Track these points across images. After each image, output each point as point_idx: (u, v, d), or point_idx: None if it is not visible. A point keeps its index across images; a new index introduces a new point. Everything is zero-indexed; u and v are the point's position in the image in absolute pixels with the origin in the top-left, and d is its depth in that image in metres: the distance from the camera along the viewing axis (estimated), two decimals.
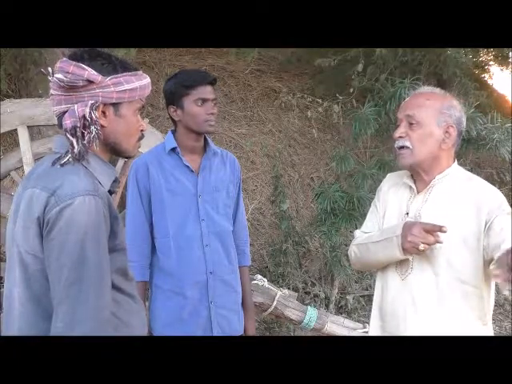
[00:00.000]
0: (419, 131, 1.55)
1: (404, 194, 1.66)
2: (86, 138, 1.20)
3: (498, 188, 1.61)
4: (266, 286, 2.82)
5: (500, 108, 5.31)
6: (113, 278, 1.20)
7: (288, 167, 5.13)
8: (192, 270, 1.93)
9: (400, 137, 1.58)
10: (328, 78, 5.15)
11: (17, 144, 3.24)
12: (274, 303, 2.79)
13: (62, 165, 1.18)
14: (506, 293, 1.21)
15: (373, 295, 1.76)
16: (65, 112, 1.21)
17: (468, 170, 1.68)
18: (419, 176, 1.63)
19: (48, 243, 1.12)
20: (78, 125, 1.19)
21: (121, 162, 2.97)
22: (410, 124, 1.57)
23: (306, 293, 4.32)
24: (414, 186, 1.65)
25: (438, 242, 1.46)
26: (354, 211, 3.49)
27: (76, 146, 1.19)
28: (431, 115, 1.55)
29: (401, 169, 1.68)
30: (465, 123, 1.62)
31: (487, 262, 1.47)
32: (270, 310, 2.81)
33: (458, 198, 1.55)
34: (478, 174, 1.67)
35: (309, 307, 2.92)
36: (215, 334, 1.96)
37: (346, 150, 3.72)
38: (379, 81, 3.99)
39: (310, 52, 5.03)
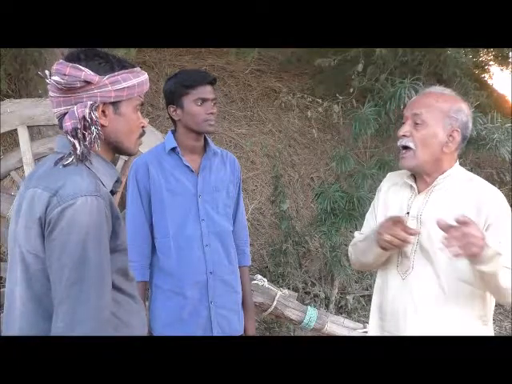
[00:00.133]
0: (423, 131, 1.55)
1: (405, 194, 1.66)
2: (88, 139, 1.20)
3: (498, 188, 1.61)
4: (266, 286, 2.82)
5: (500, 108, 5.31)
6: (113, 279, 1.20)
7: (288, 167, 5.13)
8: (192, 270, 1.93)
9: (404, 135, 1.58)
10: (328, 77, 5.15)
11: (17, 144, 3.24)
12: (274, 303, 2.78)
13: (64, 165, 1.18)
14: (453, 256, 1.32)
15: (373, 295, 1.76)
16: (65, 114, 1.21)
17: (468, 170, 1.68)
18: (420, 176, 1.63)
19: (49, 243, 1.12)
20: (79, 126, 1.19)
21: (121, 161, 2.97)
22: (416, 123, 1.56)
23: (306, 293, 4.32)
24: (414, 185, 1.64)
25: (409, 233, 1.48)
26: (353, 211, 3.49)
27: (78, 148, 1.19)
28: (438, 117, 1.54)
29: (402, 168, 1.68)
30: (471, 128, 1.61)
31: None
32: (269, 310, 2.81)
33: (459, 199, 1.55)
34: (478, 174, 1.67)
35: (309, 307, 2.92)
36: (215, 333, 1.96)
37: (346, 150, 3.72)
38: (379, 81, 3.99)
39: (310, 52, 5.03)
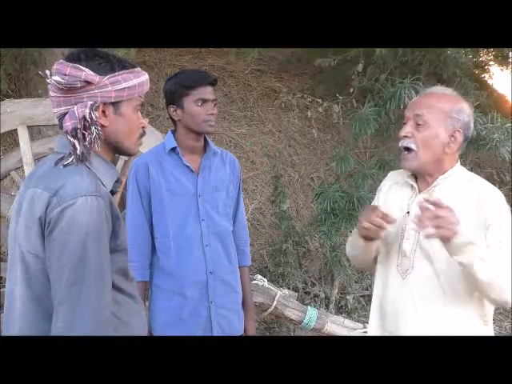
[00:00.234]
0: (425, 132, 1.54)
1: (405, 193, 1.66)
2: (88, 139, 1.20)
3: (498, 188, 1.61)
4: (266, 286, 2.82)
5: (500, 108, 5.31)
6: (113, 279, 1.20)
7: (288, 167, 5.13)
8: (192, 270, 1.93)
9: (405, 136, 1.58)
10: (328, 77, 5.15)
11: (17, 144, 3.24)
12: (274, 303, 2.78)
13: (64, 165, 1.18)
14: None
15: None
16: (65, 114, 1.21)
17: (468, 170, 1.68)
18: (422, 176, 1.63)
19: (49, 243, 1.12)
20: (79, 126, 1.19)
21: (121, 161, 2.97)
22: (417, 124, 1.56)
23: (306, 293, 4.32)
24: (415, 185, 1.65)
25: (386, 220, 1.50)
26: (353, 211, 3.49)
27: (78, 148, 1.18)
28: (440, 118, 1.54)
29: (404, 169, 1.68)
30: (472, 128, 1.61)
31: None
32: (269, 310, 2.81)
33: (460, 199, 1.55)
34: (478, 174, 1.67)
35: (309, 307, 2.92)
36: (215, 333, 1.96)
37: (345, 150, 3.72)
38: (379, 81, 3.99)
39: (310, 52, 5.02)
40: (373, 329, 1.71)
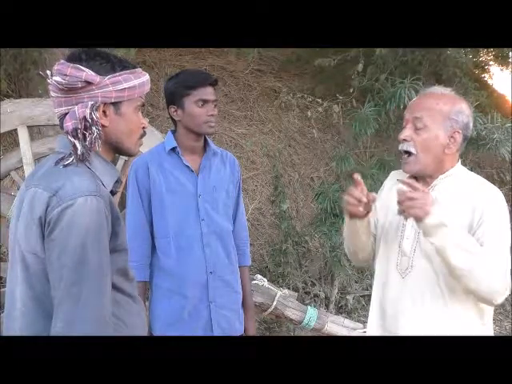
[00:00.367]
0: (425, 136, 1.54)
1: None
2: (88, 139, 1.20)
3: (498, 187, 1.61)
4: (266, 285, 2.82)
5: (500, 108, 5.31)
6: (113, 279, 1.20)
7: (288, 167, 5.13)
8: (192, 270, 1.93)
9: (405, 140, 1.57)
10: (328, 77, 5.15)
11: (17, 144, 3.24)
12: (274, 303, 2.79)
13: (65, 165, 1.18)
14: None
15: None
16: (66, 114, 1.21)
17: (469, 170, 1.68)
18: (422, 177, 1.63)
19: (49, 243, 1.12)
20: (79, 126, 1.19)
21: (121, 161, 2.97)
22: (417, 127, 1.56)
23: (305, 293, 4.32)
24: None
25: (366, 196, 1.52)
26: None
27: (79, 148, 1.19)
28: (439, 120, 1.54)
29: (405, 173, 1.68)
30: (471, 128, 1.61)
31: None
32: (269, 310, 2.81)
33: (458, 198, 1.55)
34: (478, 174, 1.67)
35: (309, 307, 2.92)
36: (215, 333, 1.96)
37: (346, 150, 3.72)
38: (379, 81, 3.98)
39: (310, 52, 5.02)
40: (372, 328, 1.71)
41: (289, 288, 3.75)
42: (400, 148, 1.60)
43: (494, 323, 4.22)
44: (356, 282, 4.54)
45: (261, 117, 5.38)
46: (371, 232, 1.74)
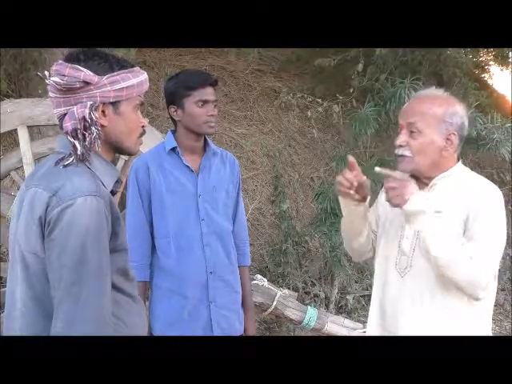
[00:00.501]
0: (420, 140, 1.54)
1: None
2: (88, 140, 1.20)
3: (498, 188, 1.61)
4: (266, 286, 2.82)
5: (500, 108, 5.31)
6: (113, 279, 1.20)
7: (288, 167, 5.13)
8: (192, 270, 1.93)
9: (400, 145, 1.58)
10: (328, 77, 5.15)
11: (17, 144, 3.24)
12: (274, 303, 2.79)
13: (65, 166, 1.18)
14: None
15: None
16: (65, 114, 1.21)
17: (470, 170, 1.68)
18: (420, 177, 1.63)
19: (49, 243, 1.12)
20: (79, 127, 1.19)
21: (121, 161, 2.97)
22: (411, 132, 1.56)
23: (305, 293, 4.32)
24: (416, 184, 1.65)
25: (357, 178, 1.54)
26: None
27: (78, 148, 1.19)
28: (433, 124, 1.54)
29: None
30: (467, 127, 1.61)
31: None
32: (269, 310, 2.81)
33: (456, 197, 1.55)
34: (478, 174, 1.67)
35: (309, 307, 2.92)
36: (215, 333, 1.96)
37: (345, 150, 3.72)
38: (379, 81, 3.98)
39: (310, 52, 5.02)
40: (372, 328, 1.71)
41: (289, 288, 3.75)
42: (396, 153, 1.61)
43: (494, 323, 4.22)
44: (356, 282, 4.54)
45: (261, 117, 5.38)
46: (372, 228, 1.75)
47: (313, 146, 5.39)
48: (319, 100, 4.52)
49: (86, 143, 1.20)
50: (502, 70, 6.21)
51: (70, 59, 1.20)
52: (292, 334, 3.83)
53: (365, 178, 1.56)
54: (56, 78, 1.17)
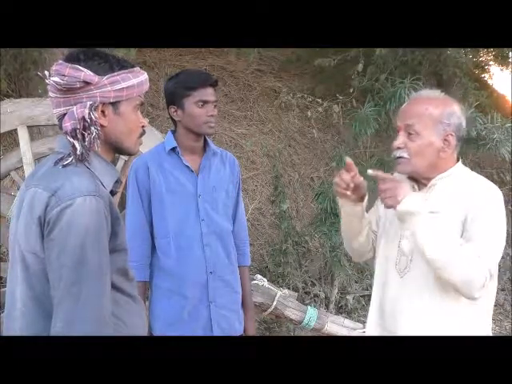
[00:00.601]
0: (418, 142, 1.55)
1: None
2: (87, 140, 1.20)
3: (498, 188, 1.61)
4: (266, 285, 2.82)
5: (500, 108, 5.31)
6: (113, 279, 1.20)
7: (288, 167, 5.13)
8: (192, 270, 1.93)
9: (398, 147, 1.58)
10: (328, 77, 5.15)
11: (17, 144, 3.24)
12: (274, 303, 2.79)
13: (64, 166, 1.18)
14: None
15: None
16: (65, 114, 1.21)
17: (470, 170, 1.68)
18: (418, 178, 1.63)
19: (48, 243, 1.12)
20: (78, 127, 1.19)
21: (121, 161, 2.97)
22: (409, 134, 1.56)
23: (305, 293, 4.32)
24: (415, 184, 1.65)
25: (354, 180, 1.55)
26: None
27: (78, 148, 1.19)
28: (430, 125, 1.54)
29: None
30: (464, 127, 1.61)
31: None
32: (269, 310, 2.81)
33: (455, 197, 1.55)
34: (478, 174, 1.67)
35: (309, 307, 2.92)
36: (215, 333, 1.96)
37: (345, 150, 3.72)
38: (379, 81, 3.99)
39: (310, 52, 5.03)
40: (371, 327, 1.72)
41: (289, 288, 3.75)
42: (393, 155, 1.61)
43: (494, 323, 4.22)
44: (356, 282, 4.54)
45: (261, 117, 5.38)
46: (372, 228, 1.75)
47: (313, 146, 5.39)
48: (319, 100, 4.52)
49: (86, 143, 1.20)
50: (502, 70, 6.22)
51: (70, 59, 1.20)
52: (292, 334, 3.83)
53: (362, 179, 1.57)
54: (56, 78, 1.17)
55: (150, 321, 1.99)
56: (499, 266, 1.57)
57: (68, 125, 1.19)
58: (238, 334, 2.04)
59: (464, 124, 1.60)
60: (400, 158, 1.58)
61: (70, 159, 1.18)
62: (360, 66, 4.11)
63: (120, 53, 2.98)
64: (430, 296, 1.55)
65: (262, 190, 4.93)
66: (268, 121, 5.37)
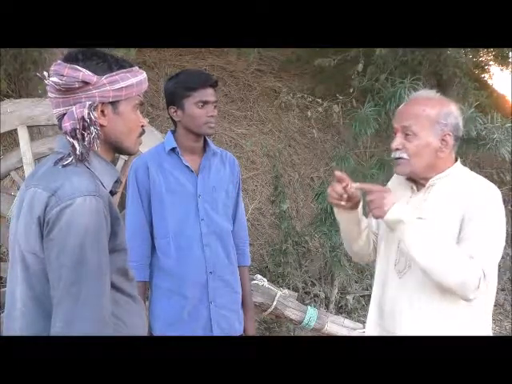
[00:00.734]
0: (416, 142, 1.55)
1: (406, 193, 1.67)
2: (87, 139, 1.20)
3: (498, 188, 1.61)
4: (266, 286, 2.82)
5: (500, 108, 5.32)
6: (113, 278, 1.20)
7: (288, 167, 5.13)
8: (192, 270, 1.93)
9: (397, 149, 1.59)
10: (328, 77, 5.15)
11: (17, 144, 3.24)
12: (274, 303, 2.79)
13: (64, 166, 1.18)
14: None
15: None
16: (64, 114, 1.21)
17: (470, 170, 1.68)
18: (416, 179, 1.64)
19: (48, 243, 1.12)
20: (78, 127, 1.19)
21: (121, 161, 2.97)
22: (406, 135, 1.56)
23: (305, 293, 4.32)
24: (414, 186, 1.66)
25: (346, 191, 1.57)
26: None
27: (78, 148, 1.19)
28: (427, 126, 1.54)
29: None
30: (462, 127, 1.61)
31: None
32: (269, 310, 2.81)
33: (453, 197, 1.55)
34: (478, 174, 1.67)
35: (309, 307, 2.92)
36: (215, 333, 1.96)
37: (345, 150, 3.72)
38: (379, 81, 3.99)
39: (310, 52, 5.03)
40: (370, 327, 1.72)
41: (289, 288, 3.75)
42: (393, 156, 1.62)
43: (494, 323, 4.22)
44: (356, 282, 4.54)
45: (261, 117, 5.38)
46: (373, 230, 1.76)
47: (313, 146, 5.39)
48: (319, 100, 4.53)
49: (85, 143, 1.20)
50: (502, 70, 6.23)
51: (68, 59, 1.20)
52: (292, 334, 3.83)
53: (354, 189, 1.58)
54: (55, 78, 1.17)
55: (150, 321, 1.99)
56: (499, 266, 1.57)
57: (67, 125, 1.19)
58: (238, 334, 2.04)
59: (461, 124, 1.60)
60: (399, 158, 1.59)
61: (70, 159, 1.18)
62: (360, 66, 4.11)
63: (120, 53, 2.98)
64: (428, 296, 1.55)
65: (262, 190, 4.93)
66: (268, 121, 5.37)
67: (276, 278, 4.12)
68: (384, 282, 1.67)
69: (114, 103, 1.23)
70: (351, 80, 4.21)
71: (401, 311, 1.59)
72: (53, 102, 1.22)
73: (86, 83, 1.18)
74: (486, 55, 6.07)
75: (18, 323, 1.18)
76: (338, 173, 1.59)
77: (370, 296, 1.81)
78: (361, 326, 2.97)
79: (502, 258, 1.55)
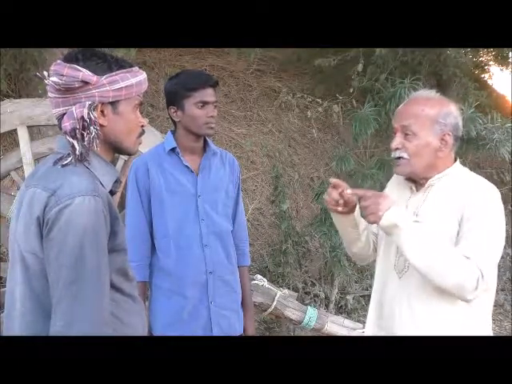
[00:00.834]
0: (415, 142, 1.55)
1: (405, 193, 1.67)
2: (86, 139, 1.20)
3: (498, 188, 1.60)
4: (266, 286, 2.82)
5: (500, 108, 5.32)
6: (113, 278, 1.20)
7: (288, 167, 5.13)
8: (192, 270, 1.93)
9: (397, 148, 1.58)
10: (328, 77, 5.15)
11: (17, 144, 3.24)
12: (274, 303, 2.79)
13: (63, 165, 1.18)
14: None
15: None
16: (64, 114, 1.21)
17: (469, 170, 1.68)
18: (416, 179, 1.64)
19: (47, 243, 1.12)
20: (77, 126, 1.19)
21: (121, 161, 2.97)
22: (406, 134, 1.56)
23: (305, 293, 4.32)
24: (413, 185, 1.66)
25: (342, 196, 1.58)
26: None
27: (77, 148, 1.19)
28: (427, 126, 1.55)
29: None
30: (461, 127, 1.61)
31: None
32: (269, 310, 2.81)
33: (452, 197, 1.55)
34: (477, 174, 1.67)
35: (309, 307, 2.92)
36: (215, 333, 1.96)
37: (345, 150, 3.72)
38: (379, 81, 3.99)
39: (310, 52, 5.03)
40: (370, 327, 1.72)
41: (289, 288, 3.75)
42: (393, 156, 1.62)
43: (494, 323, 4.22)
44: (356, 282, 4.54)
45: (261, 117, 5.38)
46: (373, 231, 1.76)
47: (313, 146, 5.39)
48: (319, 100, 4.53)
49: (85, 143, 1.20)
50: (501, 70, 6.23)
51: (68, 59, 1.20)
52: (292, 334, 3.83)
53: (349, 195, 1.58)
54: (55, 78, 1.17)
55: (150, 321, 1.99)
56: (499, 266, 1.57)
57: (67, 125, 1.19)
58: (238, 334, 2.04)
59: (461, 124, 1.60)
60: (400, 158, 1.59)
61: (70, 159, 1.18)
62: (360, 66, 4.11)
63: (120, 53, 2.98)
64: (427, 297, 1.55)
65: (262, 190, 4.93)
66: (268, 121, 5.37)
67: (276, 278, 4.12)
68: (384, 283, 1.67)
69: (113, 103, 1.23)
70: (351, 80, 4.21)
71: (400, 311, 1.59)
72: (52, 102, 1.22)
73: (85, 83, 1.18)
74: (486, 55, 6.07)
75: (17, 323, 1.18)
76: (333, 179, 1.60)
77: (369, 296, 1.82)
78: (361, 326, 2.97)
79: (502, 257, 1.56)
